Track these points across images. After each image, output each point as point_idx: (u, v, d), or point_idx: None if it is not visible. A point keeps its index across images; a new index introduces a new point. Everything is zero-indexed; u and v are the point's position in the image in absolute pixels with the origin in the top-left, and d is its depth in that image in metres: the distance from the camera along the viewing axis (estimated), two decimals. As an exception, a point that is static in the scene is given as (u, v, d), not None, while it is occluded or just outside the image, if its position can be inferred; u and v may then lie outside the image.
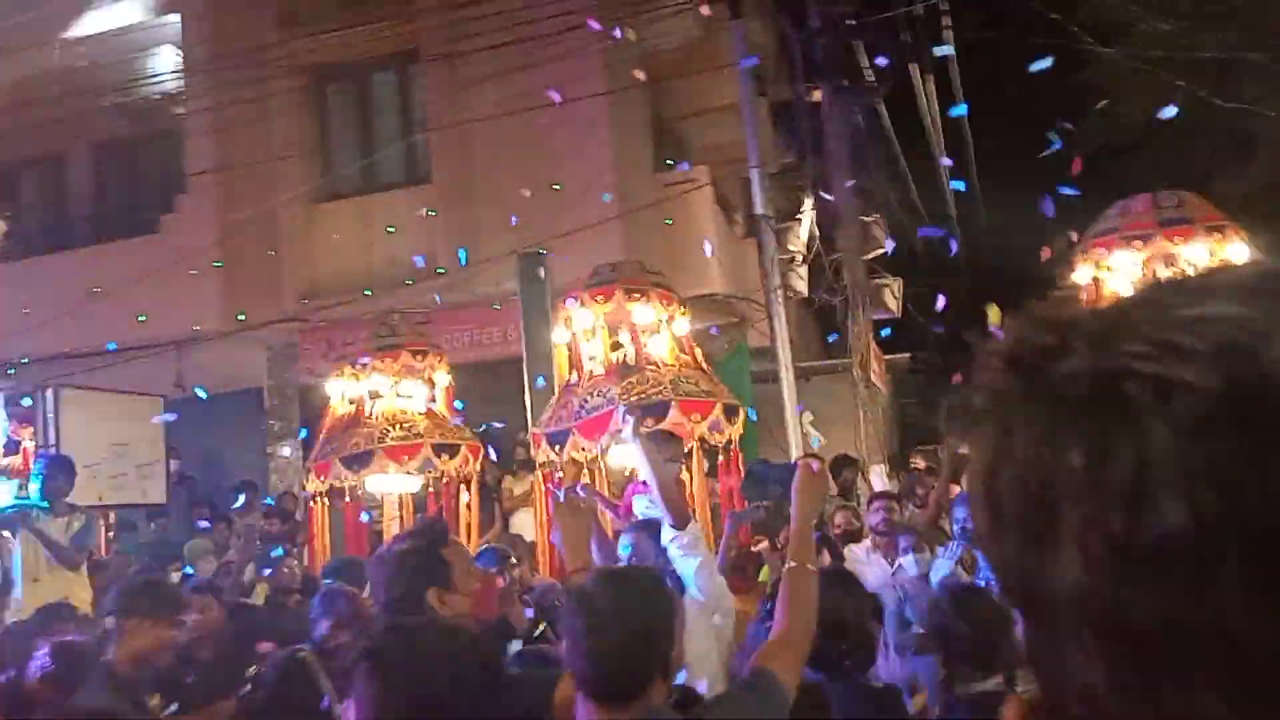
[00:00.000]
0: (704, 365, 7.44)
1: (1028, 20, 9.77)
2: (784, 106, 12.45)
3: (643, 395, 6.81)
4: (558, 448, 7.05)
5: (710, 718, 2.11)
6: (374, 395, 8.13)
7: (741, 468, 7.48)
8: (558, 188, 9.51)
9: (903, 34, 10.45)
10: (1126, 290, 7.02)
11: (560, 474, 7.21)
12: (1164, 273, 6.89)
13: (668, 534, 3.92)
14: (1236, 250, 6.87)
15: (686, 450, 6.86)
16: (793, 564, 2.42)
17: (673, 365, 7.10)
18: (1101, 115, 12.97)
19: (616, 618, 2.03)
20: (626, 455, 6.42)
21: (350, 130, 12.94)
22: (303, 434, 11.16)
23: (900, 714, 3.04)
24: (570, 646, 2.07)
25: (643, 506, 5.07)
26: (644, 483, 5.01)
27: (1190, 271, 0.59)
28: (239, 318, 11.45)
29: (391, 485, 8.03)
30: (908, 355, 14.02)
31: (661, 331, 7.27)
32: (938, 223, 13.38)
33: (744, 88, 10.77)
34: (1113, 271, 7.05)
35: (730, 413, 7.04)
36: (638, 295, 7.19)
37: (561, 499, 6.19)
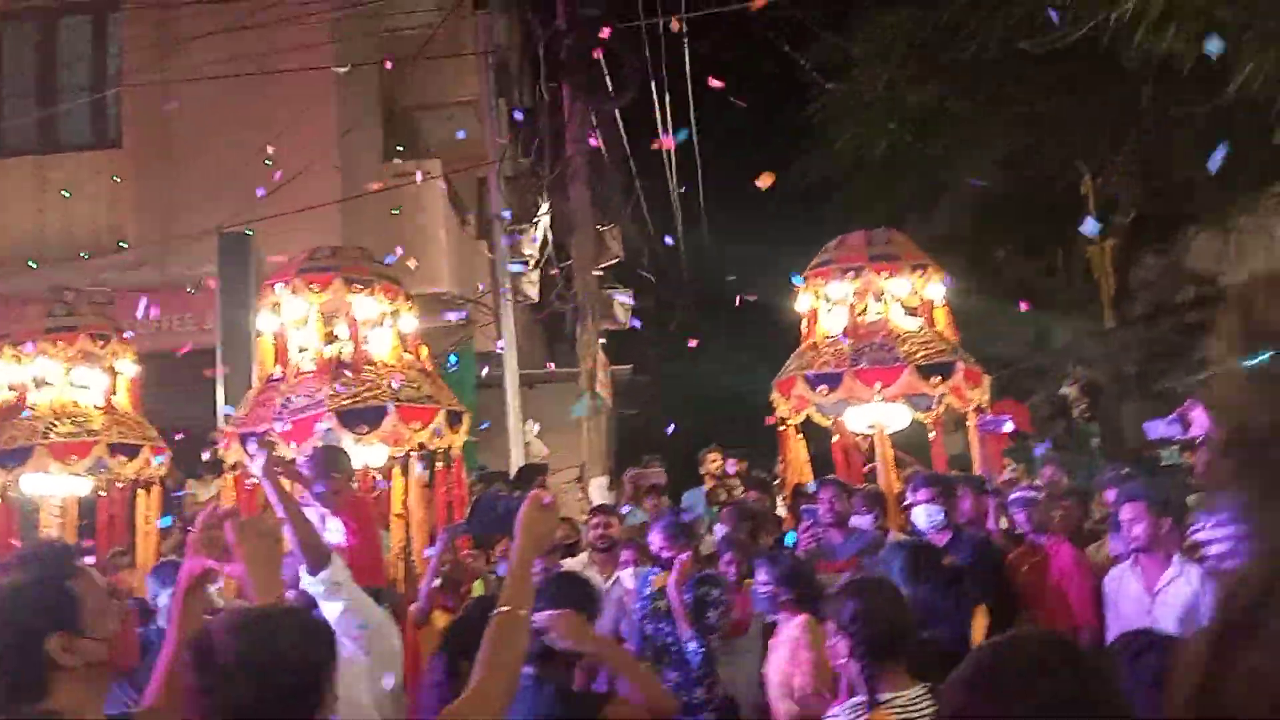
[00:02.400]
0: (428, 366, 6.92)
1: (762, 47, 10.11)
2: (524, 110, 12.21)
3: (356, 399, 6.24)
4: (252, 451, 6.31)
5: None
6: (40, 383, 7.01)
7: (464, 477, 7.09)
8: (269, 163, 8.67)
9: (645, 47, 10.53)
10: (836, 319, 7.40)
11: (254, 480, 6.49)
12: (875, 304, 7.27)
13: (304, 579, 3.54)
14: (935, 288, 7.38)
15: (402, 455, 6.41)
16: (504, 608, 2.13)
17: (393, 366, 6.56)
18: (822, 150, 13.80)
19: (244, 671, 1.72)
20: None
21: (29, 79, 11.31)
22: None
23: None
24: (191, 705, 1.71)
25: None
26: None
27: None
28: None
29: (52, 487, 6.95)
30: (629, 367, 14.16)
31: (385, 327, 6.70)
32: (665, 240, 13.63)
33: (485, 83, 10.41)
34: (830, 300, 7.34)
35: (454, 419, 6.60)
36: (360, 286, 6.54)
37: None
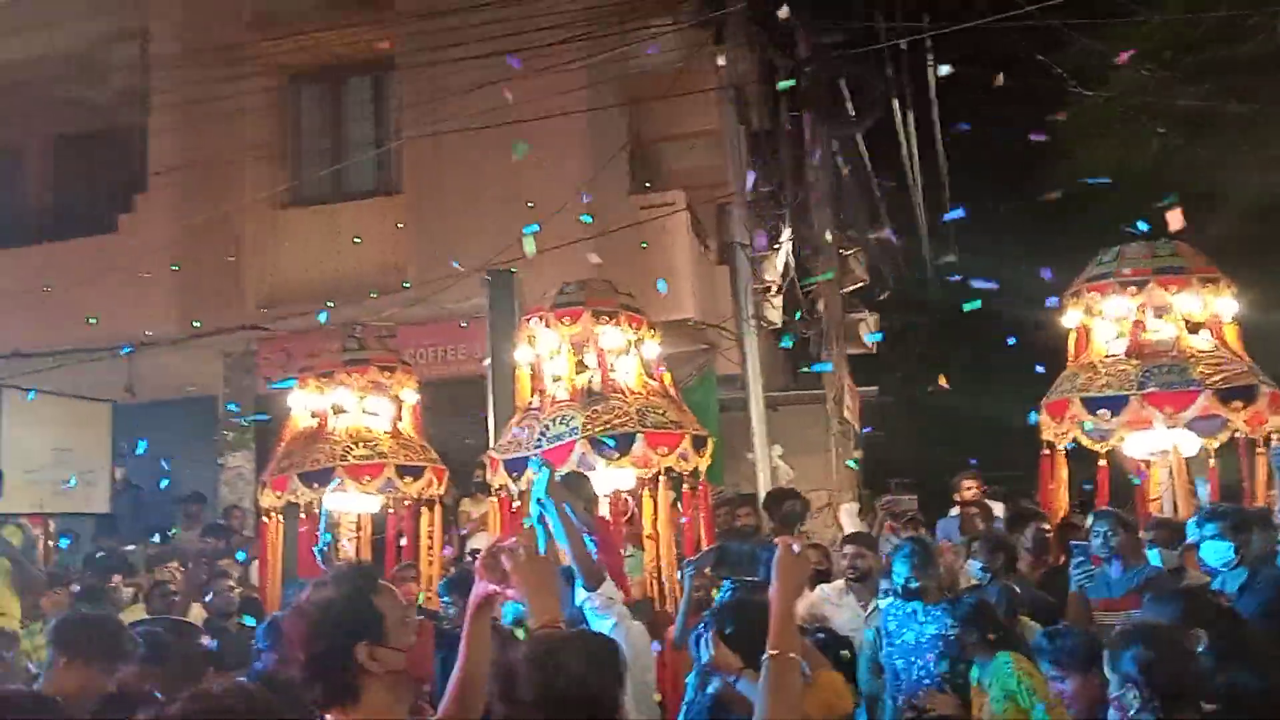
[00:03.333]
0: (672, 392, 7.18)
1: (1010, 58, 9.77)
2: (763, 135, 12.39)
3: (608, 426, 6.57)
4: (515, 475, 6.81)
5: None
6: (337, 410, 7.86)
7: (710, 499, 7.29)
8: (531, 205, 9.30)
9: (888, 68, 10.46)
10: (1112, 336, 7.01)
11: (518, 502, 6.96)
12: (1153, 321, 6.83)
13: (581, 593, 3.81)
14: (1225, 303, 6.85)
15: (652, 476, 6.68)
16: (774, 652, 2.23)
17: (640, 393, 6.84)
18: (1071, 161, 13.12)
19: (569, 686, 1.90)
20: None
21: (320, 135, 12.65)
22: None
23: None
24: (508, 712, 1.90)
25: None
26: None
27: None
28: (194, 324, 11.09)
29: (350, 504, 7.75)
30: (874, 389, 13.97)
31: (630, 355, 7.03)
32: (912, 266, 13.39)
33: (727, 112, 10.67)
34: (1103, 317, 6.98)
35: (698, 444, 6.82)
36: (606, 317, 6.92)
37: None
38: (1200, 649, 3.41)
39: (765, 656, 2.24)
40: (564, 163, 10.74)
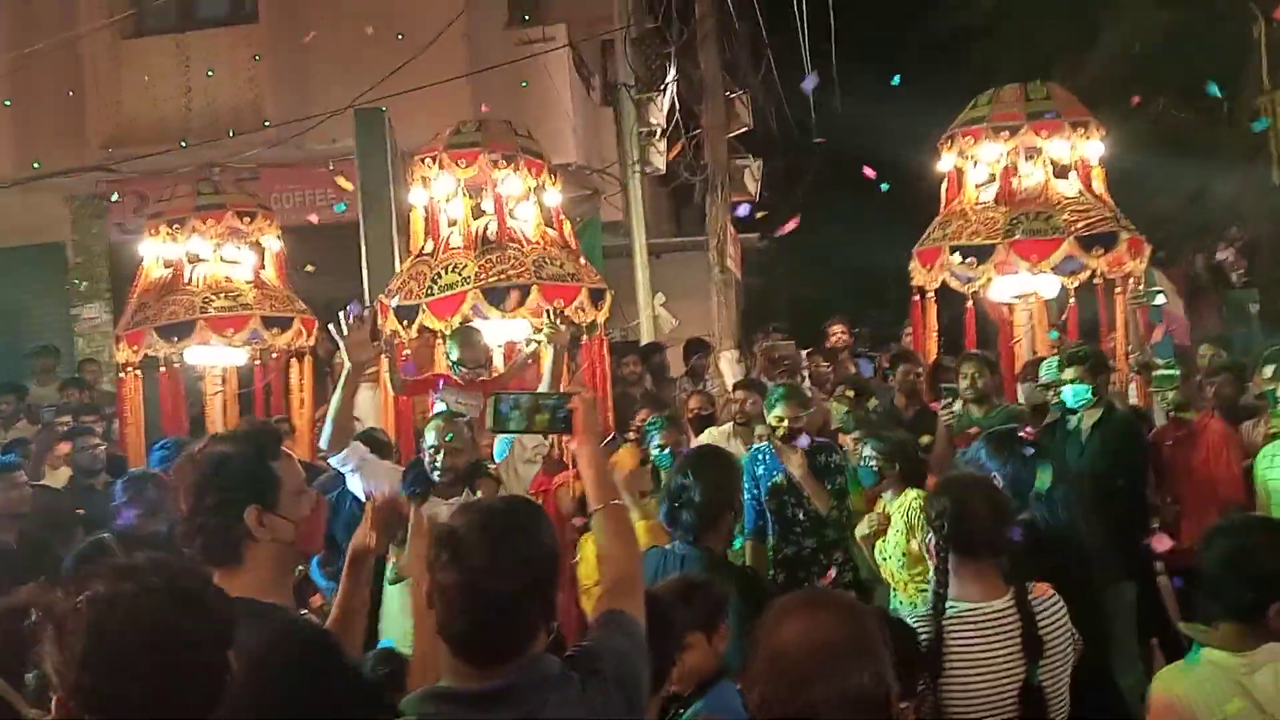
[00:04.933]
0: (571, 243, 6.97)
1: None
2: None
3: (502, 276, 6.37)
4: (405, 323, 6.58)
5: (601, 667, 1.88)
6: (193, 259, 7.40)
7: (606, 353, 7.22)
8: (401, 37, 8.67)
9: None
10: (984, 180, 7.05)
11: (408, 351, 6.77)
12: (1024, 165, 6.87)
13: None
14: (1094, 146, 6.91)
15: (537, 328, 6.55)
16: (598, 506, 2.19)
17: (538, 243, 6.62)
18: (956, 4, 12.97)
19: (498, 571, 1.77)
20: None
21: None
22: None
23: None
24: (441, 601, 1.79)
25: None
26: None
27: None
28: (34, 165, 10.19)
29: (214, 358, 7.41)
30: (755, 235, 13.94)
31: (529, 202, 6.74)
32: (796, 106, 13.17)
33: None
34: (976, 162, 6.99)
35: (596, 297, 6.68)
36: (504, 161, 6.58)
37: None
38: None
39: (592, 512, 2.18)
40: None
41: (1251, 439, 5.51)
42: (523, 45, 10.61)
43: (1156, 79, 12.76)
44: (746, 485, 5.19)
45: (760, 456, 5.28)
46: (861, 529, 4.64)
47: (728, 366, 8.21)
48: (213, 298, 7.19)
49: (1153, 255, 7.12)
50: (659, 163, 9.82)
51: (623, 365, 8.15)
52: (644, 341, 8.93)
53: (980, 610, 2.78)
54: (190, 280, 7.31)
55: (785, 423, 5.05)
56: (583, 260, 6.96)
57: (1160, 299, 7.10)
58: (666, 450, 5.31)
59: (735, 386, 6.68)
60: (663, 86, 9.75)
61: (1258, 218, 11.85)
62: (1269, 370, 5.29)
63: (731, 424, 6.27)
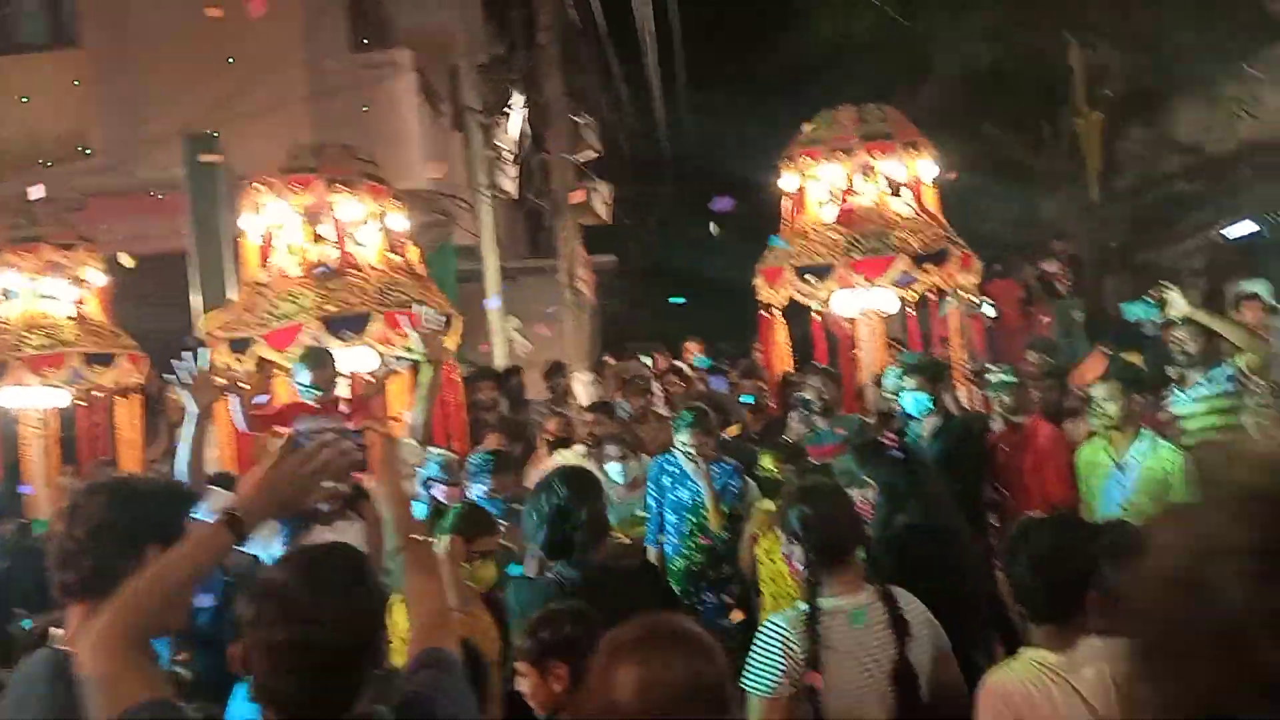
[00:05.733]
0: (418, 269, 6.79)
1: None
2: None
3: (342, 305, 6.17)
4: (240, 356, 6.29)
5: (435, 711, 1.80)
6: (7, 294, 6.92)
7: (457, 377, 7.07)
8: (231, 61, 8.38)
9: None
10: (824, 198, 7.26)
11: (244, 384, 6.47)
12: (860, 183, 7.11)
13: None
14: (926, 166, 7.21)
15: (384, 361, 6.37)
16: (401, 545, 2.12)
17: (380, 270, 6.45)
18: (802, 31, 13.43)
19: (332, 625, 1.64)
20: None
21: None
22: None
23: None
24: (264, 660, 1.64)
25: None
26: None
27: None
28: None
29: (32, 399, 6.92)
30: (612, 258, 14.02)
31: (371, 227, 6.56)
32: (646, 128, 13.34)
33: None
34: (817, 181, 7.19)
35: (445, 323, 6.52)
36: (343, 186, 6.40)
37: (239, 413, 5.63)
38: (874, 496, 3.72)
39: (394, 549, 2.10)
40: (274, 14, 9.71)
41: (1074, 438, 5.80)
42: (367, 70, 10.41)
43: (985, 105, 13.49)
44: (651, 494, 5.32)
45: (667, 468, 5.32)
46: (750, 527, 4.77)
47: (582, 388, 8.18)
48: (29, 335, 6.72)
49: (989, 268, 7.48)
50: (509, 187, 9.76)
51: (477, 390, 8.03)
52: (499, 366, 8.80)
53: (850, 605, 2.86)
54: (4, 318, 6.83)
55: (691, 448, 5.10)
56: (431, 286, 6.81)
57: (989, 310, 7.43)
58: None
59: (586, 409, 6.65)
60: (506, 111, 9.70)
61: (1080, 232, 12.60)
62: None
63: (585, 446, 6.24)
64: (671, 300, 8.74)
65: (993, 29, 11.99)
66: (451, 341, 6.63)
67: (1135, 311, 5.75)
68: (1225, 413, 5.44)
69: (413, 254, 6.84)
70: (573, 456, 6.20)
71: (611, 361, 8.54)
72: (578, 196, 9.34)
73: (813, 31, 13.21)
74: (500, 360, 9.29)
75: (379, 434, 2.22)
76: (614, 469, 5.78)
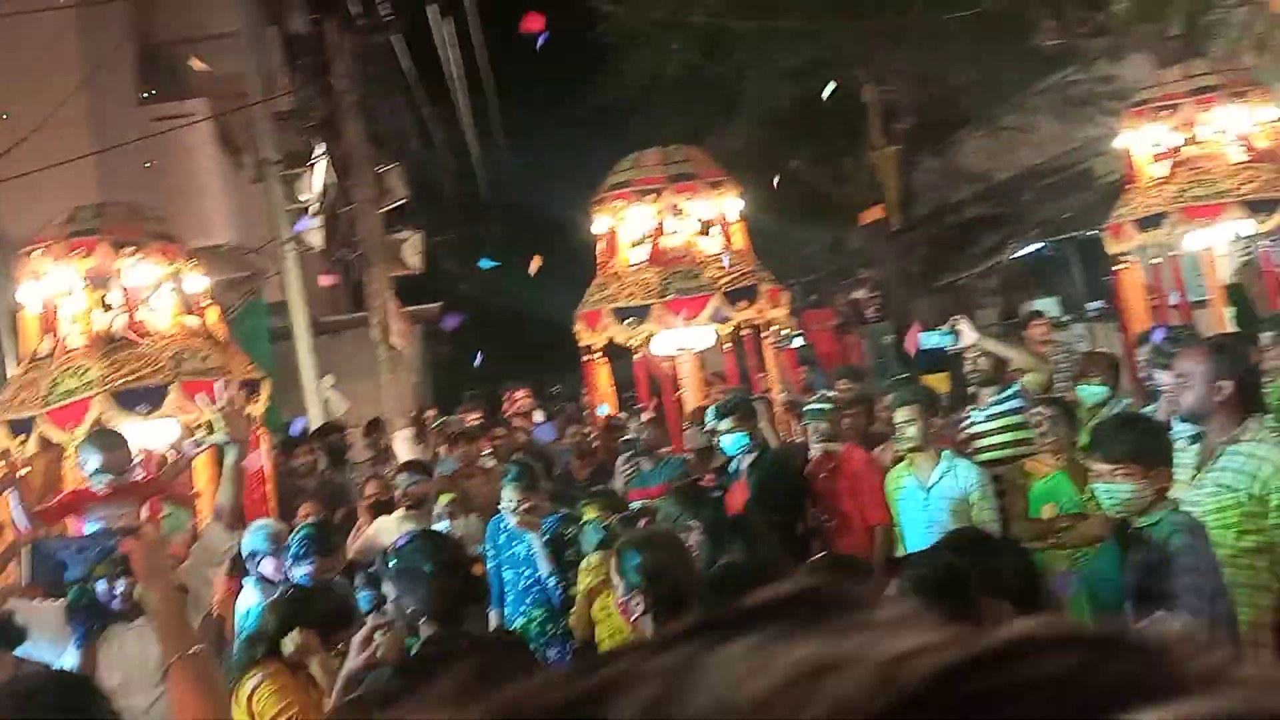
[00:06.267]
0: (217, 332, 6.38)
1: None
2: (299, 39, 11.43)
3: (134, 376, 5.75)
4: (22, 437, 5.79)
5: None
6: None
7: (267, 446, 6.70)
8: (5, 116, 7.79)
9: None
10: (637, 238, 7.35)
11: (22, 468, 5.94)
12: (670, 222, 7.24)
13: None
14: (731, 203, 7.41)
15: (196, 425, 5.97)
16: (172, 659, 1.95)
17: (174, 336, 6.05)
18: (613, 74, 13.67)
19: None
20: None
21: None
22: None
23: None
24: None
25: None
26: None
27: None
28: None
29: None
30: (438, 305, 13.75)
31: (164, 291, 6.16)
32: (461, 167, 13.23)
33: (247, 11, 9.64)
34: (627, 223, 7.29)
35: (250, 389, 6.15)
36: (130, 248, 6.00)
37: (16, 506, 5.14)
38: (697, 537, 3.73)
39: (166, 666, 1.94)
40: (49, 64, 9.11)
41: (882, 461, 6.02)
42: (158, 122, 9.88)
43: (792, 142, 14.06)
44: (488, 552, 5.23)
45: (502, 525, 5.20)
46: (584, 581, 4.65)
47: (402, 446, 7.94)
48: None
49: (806, 298, 7.76)
50: (315, 240, 9.43)
51: (294, 456, 7.67)
52: (313, 427, 8.44)
53: None
54: None
55: (517, 504, 4.97)
56: (233, 349, 6.45)
57: (798, 340, 7.70)
58: None
59: (399, 469, 6.44)
60: (310, 163, 9.40)
61: (885, 260, 13.24)
62: (897, 403, 5.82)
63: (403, 508, 6.03)
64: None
65: (792, 71, 12.49)
66: (258, 408, 6.29)
67: (932, 340, 6.05)
68: (1016, 428, 5.77)
69: (212, 315, 6.46)
70: (391, 523, 5.98)
71: (432, 415, 8.32)
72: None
73: (626, 73, 13.46)
74: (316, 420, 8.90)
75: (139, 538, 2.04)
76: (442, 528, 5.61)
